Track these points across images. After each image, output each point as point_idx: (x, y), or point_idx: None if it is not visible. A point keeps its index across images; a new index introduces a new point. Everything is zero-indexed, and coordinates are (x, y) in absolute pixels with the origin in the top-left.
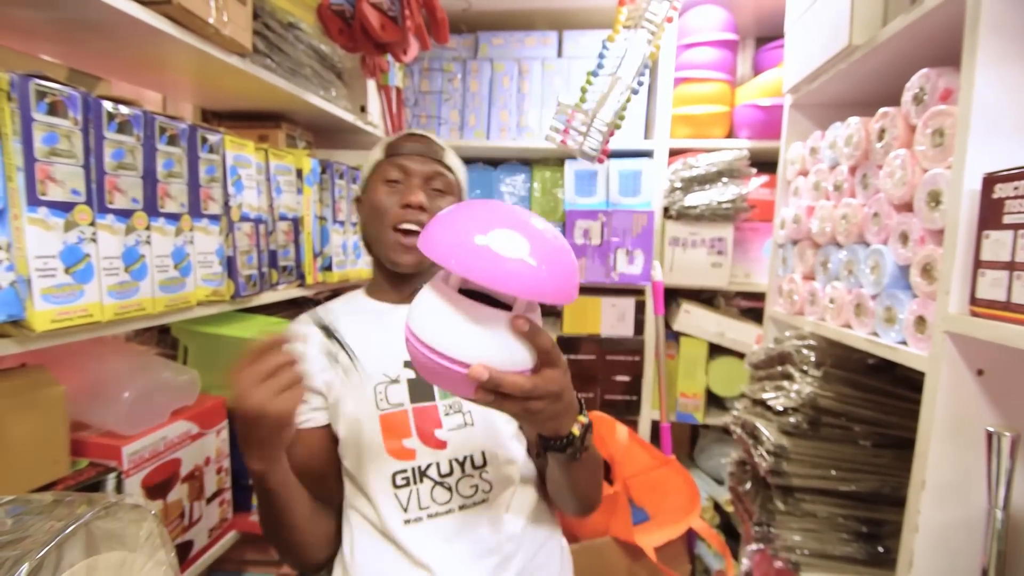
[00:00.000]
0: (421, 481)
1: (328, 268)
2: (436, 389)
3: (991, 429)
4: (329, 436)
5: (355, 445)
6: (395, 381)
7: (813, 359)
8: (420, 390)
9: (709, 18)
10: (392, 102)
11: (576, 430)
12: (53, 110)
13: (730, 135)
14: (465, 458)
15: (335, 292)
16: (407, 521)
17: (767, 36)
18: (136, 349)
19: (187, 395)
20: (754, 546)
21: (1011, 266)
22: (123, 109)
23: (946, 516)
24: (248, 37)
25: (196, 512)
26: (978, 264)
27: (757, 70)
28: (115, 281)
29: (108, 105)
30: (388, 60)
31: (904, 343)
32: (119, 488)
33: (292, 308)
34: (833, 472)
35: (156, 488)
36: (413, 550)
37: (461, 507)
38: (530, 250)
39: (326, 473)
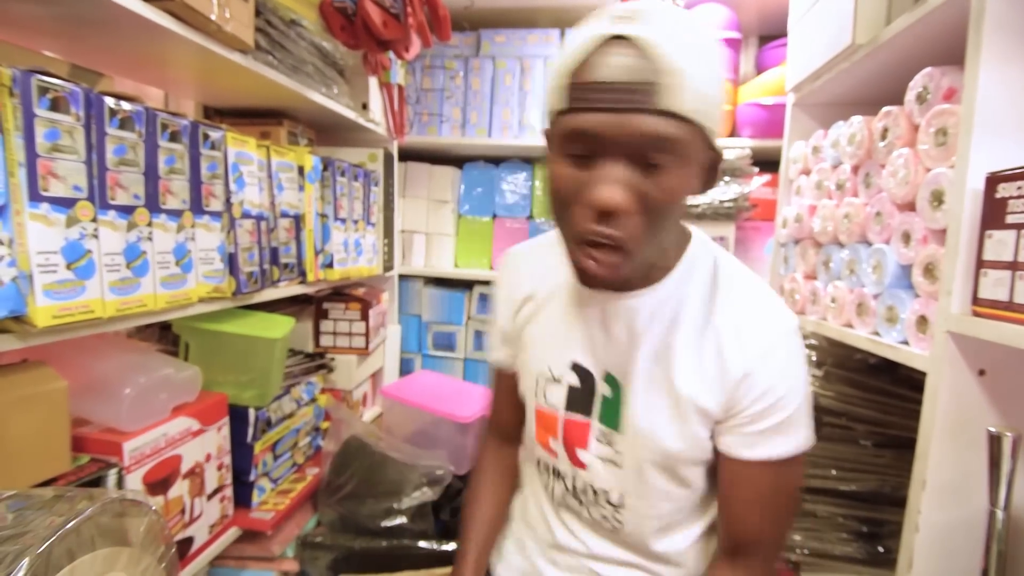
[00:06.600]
0: (557, 479)
1: (329, 265)
2: (597, 405)
3: (992, 430)
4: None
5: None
6: (556, 380)
7: (814, 358)
8: (578, 401)
9: (712, 16)
10: (394, 99)
11: None
12: (55, 106)
13: (732, 134)
14: (601, 491)
15: (336, 289)
16: (550, 500)
17: (770, 35)
18: (137, 345)
19: (188, 391)
20: None
21: (1014, 266)
22: (125, 105)
23: (946, 516)
24: (250, 34)
25: (197, 508)
26: (980, 264)
27: (760, 69)
28: (116, 277)
29: (110, 101)
30: (390, 57)
31: (906, 343)
32: (120, 484)
33: (293, 305)
34: (833, 472)
35: (157, 484)
36: (555, 525)
37: (591, 525)
38: None
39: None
